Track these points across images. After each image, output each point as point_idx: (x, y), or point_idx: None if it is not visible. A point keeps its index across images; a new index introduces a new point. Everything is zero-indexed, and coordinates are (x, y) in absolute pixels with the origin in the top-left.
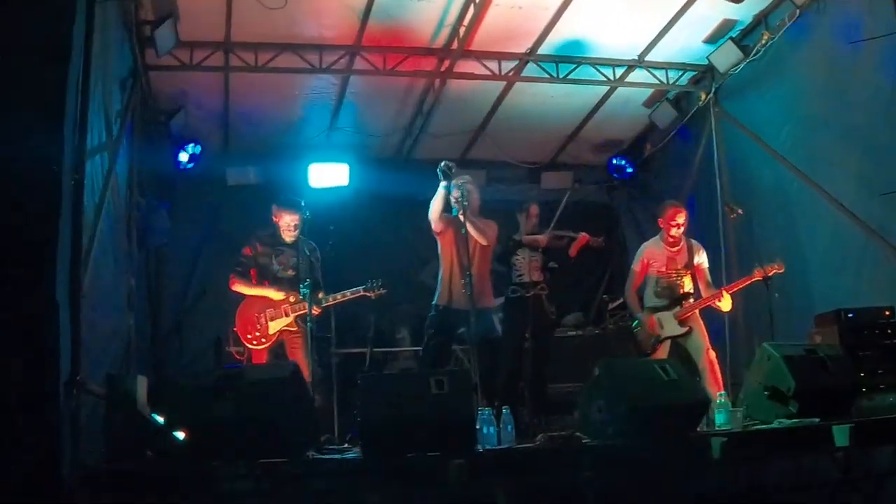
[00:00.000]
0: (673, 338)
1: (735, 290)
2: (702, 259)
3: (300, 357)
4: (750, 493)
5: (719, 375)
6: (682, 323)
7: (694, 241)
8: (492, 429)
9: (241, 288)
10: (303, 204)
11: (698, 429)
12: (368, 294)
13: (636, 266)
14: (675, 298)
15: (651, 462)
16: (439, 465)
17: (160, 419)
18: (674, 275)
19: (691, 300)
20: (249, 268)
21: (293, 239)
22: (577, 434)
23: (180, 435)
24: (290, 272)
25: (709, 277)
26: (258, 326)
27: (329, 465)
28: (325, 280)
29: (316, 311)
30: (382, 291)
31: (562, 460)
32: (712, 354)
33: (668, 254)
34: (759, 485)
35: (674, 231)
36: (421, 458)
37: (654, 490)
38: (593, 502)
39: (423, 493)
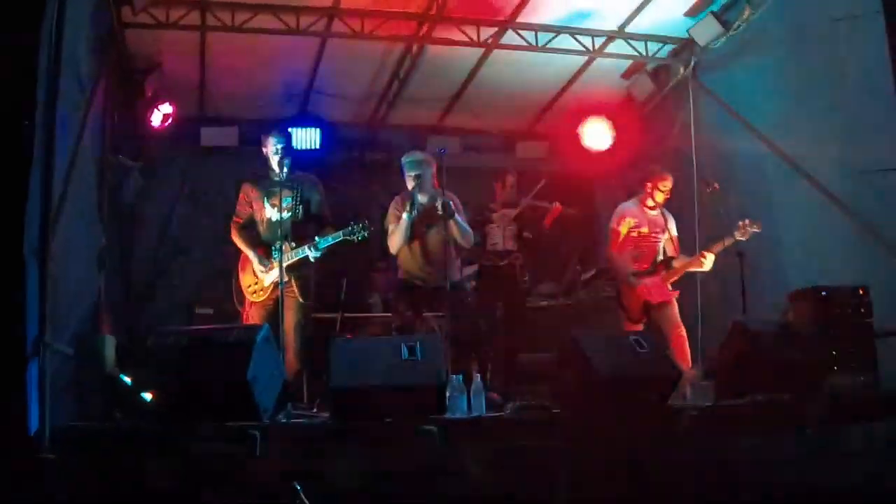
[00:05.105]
0: (661, 304)
1: (716, 251)
2: (672, 227)
3: (289, 317)
4: (718, 468)
5: (688, 352)
6: (672, 288)
7: (665, 209)
8: (462, 397)
9: (236, 240)
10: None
11: (669, 402)
12: (350, 238)
13: (616, 225)
14: (655, 263)
15: (621, 434)
16: (409, 431)
17: (128, 380)
18: (653, 238)
19: (674, 265)
20: (246, 215)
21: (282, 167)
22: (548, 404)
23: (148, 396)
24: (286, 213)
25: (678, 246)
26: (256, 279)
27: (297, 430)
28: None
29: (286, 249)
30: (366, 233)
31: (532, 430)
32: (683, 331)
33: (648, 216)
34: (728, 460)
35: (658, 196)
36: (390, 423)
37: (623, 462)
38: (563, 473)
39: (392, 458)
